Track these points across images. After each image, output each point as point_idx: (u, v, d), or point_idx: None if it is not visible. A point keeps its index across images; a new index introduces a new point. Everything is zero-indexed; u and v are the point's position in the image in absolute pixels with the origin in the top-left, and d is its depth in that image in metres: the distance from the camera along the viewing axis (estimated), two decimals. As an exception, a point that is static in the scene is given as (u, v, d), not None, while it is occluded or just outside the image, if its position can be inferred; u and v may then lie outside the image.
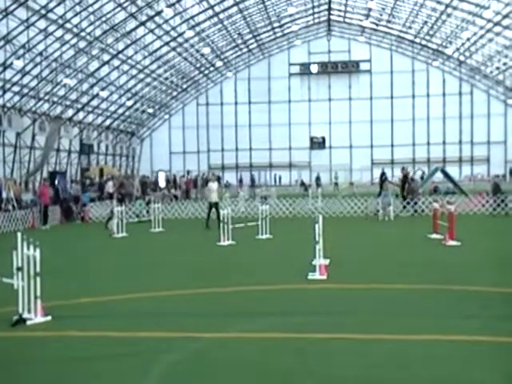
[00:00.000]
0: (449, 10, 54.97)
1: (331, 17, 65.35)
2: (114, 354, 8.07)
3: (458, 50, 63.99)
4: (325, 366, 7.39)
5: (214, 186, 25.84)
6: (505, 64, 61.81)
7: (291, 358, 7.68)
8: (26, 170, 45.55)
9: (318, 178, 61.16)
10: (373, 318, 9.65)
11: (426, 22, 60.49)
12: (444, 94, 69.30)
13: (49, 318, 9.75)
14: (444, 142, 69.07)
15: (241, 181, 64.01)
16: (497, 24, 53.47)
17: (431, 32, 62.41)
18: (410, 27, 63.09)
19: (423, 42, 65.87)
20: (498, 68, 63.82)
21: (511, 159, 67.47)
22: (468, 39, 59.96)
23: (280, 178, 69.02)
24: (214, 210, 25.38)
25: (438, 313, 9.93)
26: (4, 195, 29.15)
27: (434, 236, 20.11)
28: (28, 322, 9.56)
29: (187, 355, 7.91)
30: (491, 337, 8.32)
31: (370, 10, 60.87)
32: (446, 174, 41.38)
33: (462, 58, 65.92)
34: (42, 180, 38.70)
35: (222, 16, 54.77)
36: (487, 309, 10.02)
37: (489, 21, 53.47)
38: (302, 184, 59.80)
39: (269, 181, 67.45)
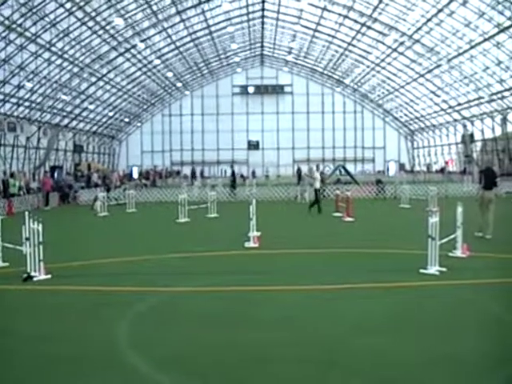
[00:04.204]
0: (346, 52, 56.40)
1: (263, 52, 65.34)
2: (97, 303, 8.03)
3: (352, 81, 65.49)
4: (258, 310, 7.56)
5: (317, 175, 22.92)
6: (383, 93, 64.62)
7: (232, 305, 7.81)
8: (33, 164, 44.54)
9: (253, 172, 61.36)
10: (291, 275, 9.87)
11: (330, 60, 61.52)
12: (344, 112, 70.30)
13: (49, 276, 9.63)
14: (344, 146, 70.16)
15: (195, 173, 63.47)
16: (377, 65, 55.94)
17: (334, 67, 63.53)
18: (320, 62, 63.85)
19: (329, 74, 66.73)
20: (379, 95, 66.40)
21: (388, 159, 69.73)
22: (359, 74, 61.77)
23: (225, 172, 68.72)
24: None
25: (339, 268, 10.22)
26: (18, 184, 28.36)
27: (336, 214, 20.50)
28: (34, 279, 9.46)
29: (153, 305, 7.95)
30: (379, 283, 8.66)
31: (291, 48, 61.27)
32: (345, 170, 42.11)
33: (355, 87, 67.34)
34: (45, 172, 37.70)
35: (181, 49, 54.23)
36: (369, 265, 10.32)
37: (372, 62, 55.81)
38: (242, 176, 59.59)
39: (216, 173, 67.16)
